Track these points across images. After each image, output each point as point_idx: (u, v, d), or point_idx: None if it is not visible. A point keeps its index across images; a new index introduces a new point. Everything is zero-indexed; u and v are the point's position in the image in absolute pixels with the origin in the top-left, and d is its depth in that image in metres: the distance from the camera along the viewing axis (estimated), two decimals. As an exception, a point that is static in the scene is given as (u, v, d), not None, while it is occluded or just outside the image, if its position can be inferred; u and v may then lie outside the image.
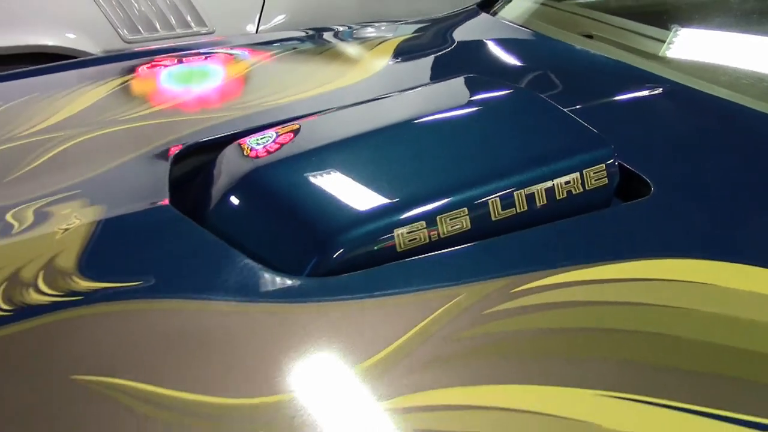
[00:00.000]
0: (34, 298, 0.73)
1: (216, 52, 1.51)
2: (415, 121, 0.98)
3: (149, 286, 0.74)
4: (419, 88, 1.12)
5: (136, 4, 2.52)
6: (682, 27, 1.41)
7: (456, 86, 1.11)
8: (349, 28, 1.71)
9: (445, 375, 0.61)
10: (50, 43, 2.44)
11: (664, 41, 1.33)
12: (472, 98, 1.07)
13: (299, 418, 0.57)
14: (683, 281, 0.73)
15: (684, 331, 0.67)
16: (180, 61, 1.45)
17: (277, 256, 0.76)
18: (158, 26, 2.53)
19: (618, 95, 1.14)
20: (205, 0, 2.60)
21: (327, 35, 1.66)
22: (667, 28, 1.47)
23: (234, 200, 0.86)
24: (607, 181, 0.89)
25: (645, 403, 0.58)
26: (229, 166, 0.91)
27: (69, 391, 0.62)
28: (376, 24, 1.68)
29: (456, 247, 0.78)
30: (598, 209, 0.86)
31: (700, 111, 1.10)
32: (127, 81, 1.36)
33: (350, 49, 1.53)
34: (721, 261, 0.75)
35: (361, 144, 0.92)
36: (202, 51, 1.50)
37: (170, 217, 0.85)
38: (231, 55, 1.49)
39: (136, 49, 1.62)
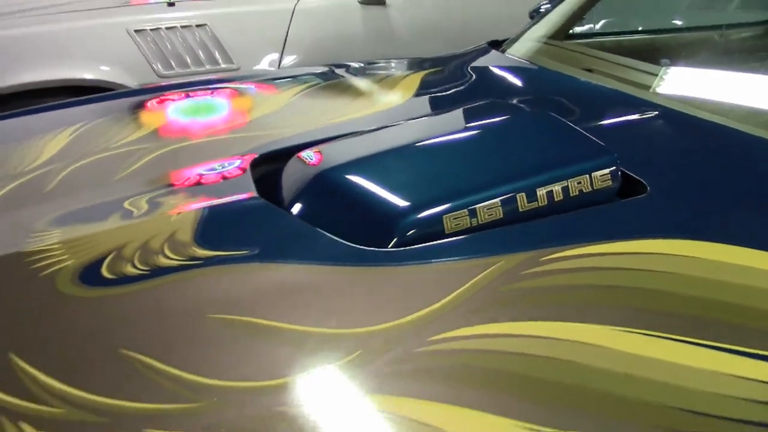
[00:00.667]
0: (164, 262, 0.94)
1: (277, 80, 1.73)
2: (455, 135, 1.21)
3: (255, 254, 0.95)
4: (455, 110, 1.34)
5: (169, 42, 2.74)
6: (671, 61, 1.64)
7: (486, 108, 1.34)
8: (378, 62, 1.93)
9: (496, 313, 0.82)
10: (89, 77, 2.65)
11: (655, 74, 1.56)
12: (500, 117, 1.29)
13: (391, 343, 0.77)
14: (672, 254, 0.94)
15: (672, 287, 0.88)
16: (235, 91, 1.67)
17: (361, 234, 0.97)
18: (189, 62, 2.75)
19: (615, 117, 1.37)
20: (231, 39, 2.82)
21: (356, 69, 1.89)
22: (657, 63, 1.71)
23: (315, 194, 1.07)
24: (611, 183, 1.11)
25: (643, 335, 0.79)
26: (306, 169, 1.12)
27: (209, 324, 0.82)
28: (401, 59, 1.91)
29: (494, 229, 0.99)
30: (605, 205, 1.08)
31: (685, 130, 1.32)
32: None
33: (384, 80, 1.76)
34: (701, 240, 0.97)
35: (415, 152, 1.14)
36: (260, 80, 1.72)
37: (260, 204, 1.07)
38: (290, 82, 1.71)
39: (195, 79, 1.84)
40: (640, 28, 2.36)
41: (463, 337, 0.78)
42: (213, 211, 1.06)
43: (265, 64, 2.86)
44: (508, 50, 1.93)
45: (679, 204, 1.09)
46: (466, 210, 1.01)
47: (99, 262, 0.94)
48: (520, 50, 1.91)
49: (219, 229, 1.02)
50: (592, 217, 1.05)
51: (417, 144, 1.19)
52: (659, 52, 2.17)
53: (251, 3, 3.00)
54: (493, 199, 1.03)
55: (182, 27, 2.80)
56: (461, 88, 1.68)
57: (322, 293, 0.87)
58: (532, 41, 2.00)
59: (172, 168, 1.25)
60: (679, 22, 2.55)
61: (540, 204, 1.06)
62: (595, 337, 0.79)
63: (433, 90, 1.65)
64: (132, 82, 2.61)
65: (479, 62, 1.85)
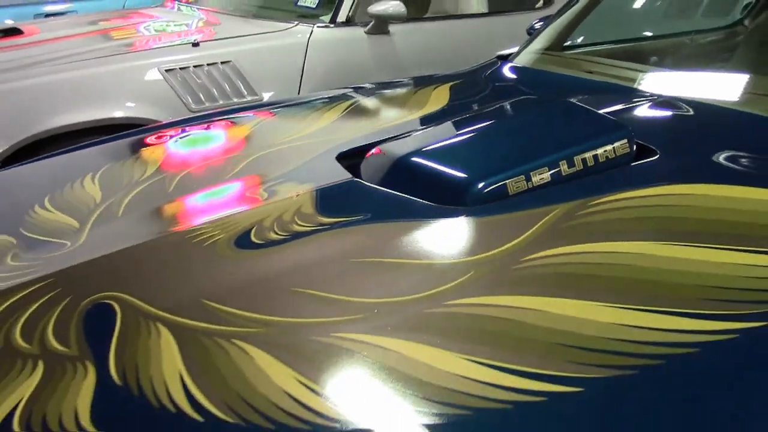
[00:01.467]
0: (299, 228, 1.22)
1: (324, 100, 2.03)
2: (504, 122, 1.51)
3: (368, 217, 1.24)
4: (496, 106, 1.65)
5: (198, 79, 3.03)
6: (654, 60, 1.96)
7: (521, 102, 1.65)
8: (404, 80, 2.24)
9: (561, 241, 1.12)
10: (122, 115, 2.91)
11: (642, 71, 1.89)
12: (535, 107, 1.60)
13: (495, 265, 1.06)
14: (681, 194, 1.25)
15: (683, 213, 1.18)
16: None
17: (444, 199, 1.26)
18: (217, 96, 3.04)
19: (619, 104, 1.68)
20: (254, 72, 3.12)
21: (386, 86, 2.20)
22: (644, 63, 2.04)
23: (403, 173, 1.36)
24: (629, 150, 1.41)
25: (672, 245, 1.09)
26: (388, 157, 1.41)
27: (350, 265, 1.11)
28: (425, 77, 2.22)
29: (546, 187, 1.29)
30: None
31: (672, 109, 1.64)
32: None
33: (417, 92, 2.06)
34: (697, 183, 1.28)
35: (474, 138, 1.45)
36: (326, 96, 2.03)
37: (359, 184, 1.36)
38: (344, 98, 2.02)
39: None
40: (624, 38, 2.69)
41: (541, 257, 1.08)
42: (324, 191, 1.35)
43: (286, 93, 3.15)
44: (516, 61, 2.25)
45: (683, 161, 1.40)
46: (523, 176, 1.30)
47: (247, 233, 1.22)
48: (528, 61, 2.22)
49: (334, 202, 1.31)
50: (621, 174, 1.35)
51: (474, 132, 1.49)
52: (643, 54, 2.50)
53: (270, 39, 3.30)
54: (542, 167, 1.33)
55: (209, 65, 3.08)
56: (486, 91, 1.99)
57: (427, 239, 1.16)
58: (534, 53, 2.31)
59: (274, 166, 1.53)
60: (656, 31, 2.89)
61: (577, 168, 1.35)
62: (641, 249, 1.09)
63: (465, 94, 1.96)
64: (163, 118, 2.87)
65: (494, 72, 2.16)
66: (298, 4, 3.71)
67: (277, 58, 3.23)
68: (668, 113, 1.67)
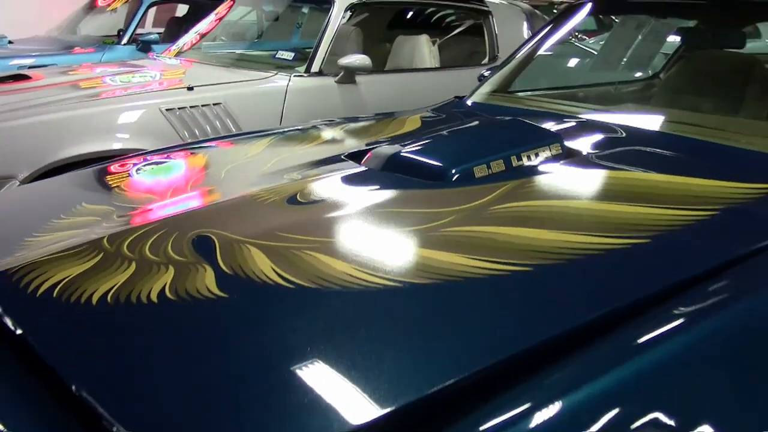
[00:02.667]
0: (329, 195, 1.71)
1: (320, 126, 2.54)
2: (471, 131, 2.04)
3: (379, 188, 1.73)
4: (464, 122, 2.17)
5: (193, 116, 3.51)
6: (583, 99, 2.52)
7: (484, 119, 2.18)
8: (380, 114, 2.76)
9: (513, 200, 1.62)
10: (125, 147, 3.36)
11: (572, 106, 2.44)
12: (495, 122, 2.13)
13: (467, 212, 1.56)
14: (594, 176, 1.77)
15: (593, 184, 1.71)
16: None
17: (429, 178, 1.76)
18: (210, 132, 3.52)
19: (552, 122, 2.22)
20: (241, 113, 3.61)
21: (367, 117, 2.72)
22: (581, 101, 2.60)
23: (398, 165, 1.86)
24: (560, 151, 1.93)
25: (582, 201, 1.61)
26: (381, 153, 1.91)
27: (378, 212, 1.60)
28: (398, 112, 2.74)
29: (500, 173, 1.80)
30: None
31: (595, 127, 2.19)
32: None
33: (394, 120, 2.58)
34: (610, 170, 1.80)
35: (450, 141, 1.97)
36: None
37: (368, 170, 1.85)
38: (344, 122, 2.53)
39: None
40: (560, 85, 3.26)
41: (497, 208, 1.58)
42: (346, 174, 1.84)
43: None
44: (469, 99, 2.79)
45: (597, 159, 1.93)
46: (485, 165, 1.81)
47: (293, 196, 1.70)
48: (480, 99, 2.77)
49: (355, 180, 1.80)
50: (554, 165, 1.87)
51: (449, 137, 2.01)
52: (574, 97, 3.06)
53: (254, 84, 3.80)
54: (498, 159, 1.84)
55: (202, 105, 3.57)
56: (450, 118, 2.52)
57: (424, 199, 1.66)
58: (485, 94, 2.86)
59: (299, 164, 2.02)
60: (582, 80, 3.49)
61: (524, 163, 1.87)
62: (562, 204, 1.60)
63: (433, 120, 2.49)
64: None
65: (454, 107, 2.70)
66: (277, 56, 4.24)
67: (260, 102, 3.73)
68: (590, 129, 2.21)
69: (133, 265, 1.39)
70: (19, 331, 1.24)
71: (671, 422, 1.02)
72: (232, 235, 1.49)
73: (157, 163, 2.22)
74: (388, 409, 0.96)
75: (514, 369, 1.05)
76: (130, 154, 2.43)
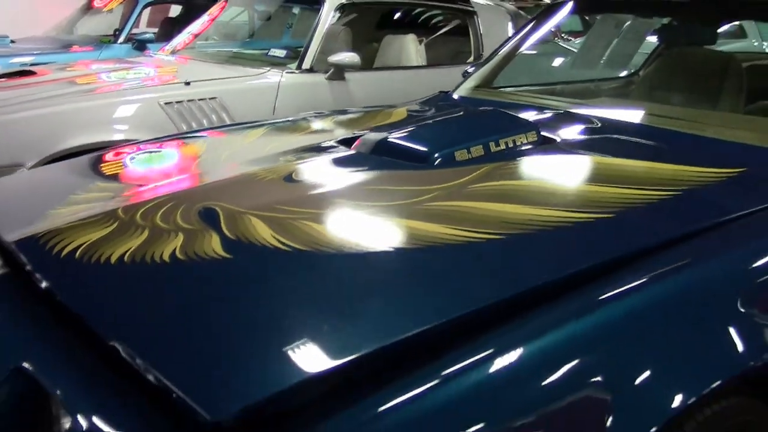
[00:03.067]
0: (323, 173, 1.87)
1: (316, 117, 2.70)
2: (453, 119, 2.20)
3: (368, 168, 1.89)
4: (447, 112, 2.33)
5: (190, 110, 3.66)
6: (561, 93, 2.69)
7: (465, 109, 2.34)
8: (369, 107, 2.92)
9: (489, 180, 1.79)
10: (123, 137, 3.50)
11: (551, 99, 2.61)
12: (476, 111, 2.30)
13: (444, 189, 1.72)
14: (566, 159, 1.94)
15: (564, 166, 1.87)
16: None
17: (415, 160, 1.91)
18: (206, 125, 3.67)
19: (530, 112, 2.38)
20: (235, 107, 3.76)
21: (357, 111, 2.88)
22: (561, 95, 2.77)
23: (384, 149, 2.02)
24: (536, 138, 2.10)
25: (552, 181, 1.77)
26: (370, 139, 2.07)
27: (367, 189, 1.76)
28: (385, 105, 2.90)
29: (479, 157, 1.96)
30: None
31: (570, 117, 2.36)
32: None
33: (381, 112, 2.74)
34: (579, 155, 1.97)
35: (433, 128, 2.13)
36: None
37: (358, 153, 2.01)
38: (326, 115, 2.69)
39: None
40: (539, 81, 3.43)
41: (474, 187, 1.74)
42: (338, 157, 2.00)
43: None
44: (454, 93, 2.95)
45: (571, 146, 2.10)
46: (465, 149, 1.98)
47: (290, 175, 1.87)
48: (464, 93, 2.93)
49: (346, 162, 1.96)
50: (530, 151, 2.03)
51: (433, 125, 2.18)
52: (553, 93, 3.23)
53: (247, 80, 3.96)
54: (478, 145, 2.00)
55: (199, 99, 3.72)
56: (435, 110, 2.68)
57: (409, 179, 1.82)
58: (469, 89, 3.02)
59: (294, 148, 2.18)
60: (564, 77, 3.66)
61: (502, 148, 2.03)
62: (533, 183, 1.77)
63: (419, 111, 2.65)
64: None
65: (440, 100, 2.86)
66: (269, 54, 4.40)
67: (253, 96, 3.89)
68: (566, 119, 2.38)
69: (146, 232, 1.55)
70: (47, 286, 1.40)
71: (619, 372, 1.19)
72: (234, 207, 1.65)
73: (158, 150, 2.38)
74: (373, 348, 1.12)
75: (483, 320, 1.22)
76: (134, 142, 2.58)
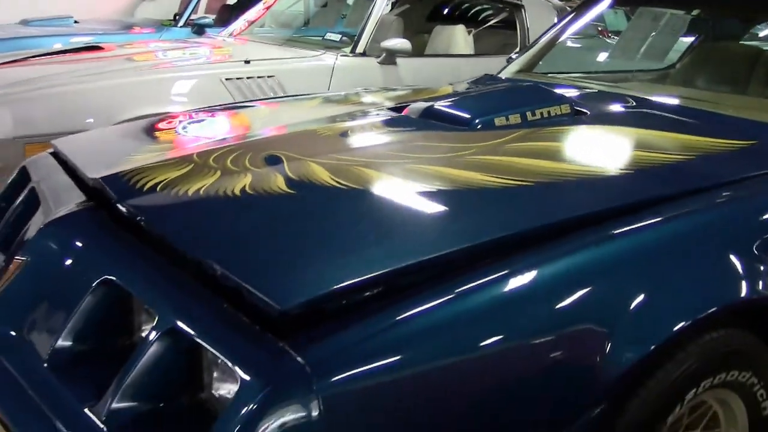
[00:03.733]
0: (376, 131, 2.09)
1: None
2: (498, 91, 2.41)
3: (415, 129, 2.11)
4: (495, 88, 2.55)
5: (249, 87, 3.91)
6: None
7: (508, 83, 2.56)
8: (417, 85, 3.13)
9: (524, 141, 1.99)
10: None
11: (588, 81, 2.80)
12: (518, 85, 2.51)
13: (484, 145, 1.93)
14: (592, 128, 2.13)
15: (589, 136, 2.07)
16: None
17: (458, 124, 2.13)
18: (263, 100, 3.91)
19: (566, 89, 2.58)
20: (291, 85, 3.99)
21: (410, 87, 3.09)
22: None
23: (434, 111, 2.23)
24: (569, 111, 2.29)
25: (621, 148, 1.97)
26: (418, 106, 2.29)
27: (416, 144, 1.97)
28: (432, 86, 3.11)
29: (517, 124, 2.16)
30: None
31: (601, 95, 2.55)
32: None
33: (427, 90, 2.96)
34: (609, 126, 2.16)
35: (481, 98, 2.35)
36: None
37: (407, 115, 2.23)
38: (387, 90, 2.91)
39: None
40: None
41: (510, 147, 1.94)
42: (388, 118, 2.22)
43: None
44: (498, 75, 3.16)
45: (601, 118, 2.29)
46: (504, 117, 2.18)
47: (345, 131, 2.09)
48: (507, 75, 3.13)
49: (395, 122, 2.18)
50: (562, 120, 2.23)
51: (479, 95, 2.39)
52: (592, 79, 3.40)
53: (304, 61, 4.21)
54: (516, 113, 2.20)
55: (258, 77, 3.97)
56: (480, 86, 2.89)
57: (453, 138, 2.03)
58: (512, 72, 3.22)
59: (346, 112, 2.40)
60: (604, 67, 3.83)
61: (537, 117, 2.23)
62: (560, 146, 1.96)
63: (467, 89, 2.86)
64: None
65: (486, 80, 3.07)
66: (325, 37, 4.64)
67: (309, 76, 4.12)
68: (600, 97, 2.57)
69: (219, 172, 1.78)
70: (131, 213, 1.62)
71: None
72: (296, 155, 1.87)
73: (218, 113, 2.62)
74: (410, 262, 1.34)
75: (510, 246, 1.42)
76: (199, 108, 2.83)
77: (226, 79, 3.87)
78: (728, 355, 1.55)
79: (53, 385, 1.44)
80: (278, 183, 1.69)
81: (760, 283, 1.57)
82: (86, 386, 1.41)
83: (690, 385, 1.50)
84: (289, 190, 1.65)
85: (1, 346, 1.56)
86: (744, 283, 1.53)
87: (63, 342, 1.50)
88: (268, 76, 3.98)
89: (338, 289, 1.26)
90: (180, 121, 2.44)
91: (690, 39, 3.97)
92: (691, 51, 3.74)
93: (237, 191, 1.66)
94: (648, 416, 1.44)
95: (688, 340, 1.47)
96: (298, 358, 1.16)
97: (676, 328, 1.41)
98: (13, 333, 1.57)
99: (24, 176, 2.10)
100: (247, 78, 3.92)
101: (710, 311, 1.45)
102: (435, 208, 1.58)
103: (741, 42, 3.32)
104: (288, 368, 1.16)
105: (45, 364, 1.48)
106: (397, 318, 1.24)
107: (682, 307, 1.44)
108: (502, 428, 1.31)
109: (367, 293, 1.28)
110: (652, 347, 1.39)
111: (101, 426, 1.30)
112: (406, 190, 1.66)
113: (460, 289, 1.30)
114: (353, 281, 1.27)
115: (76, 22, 6.89)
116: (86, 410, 1.34)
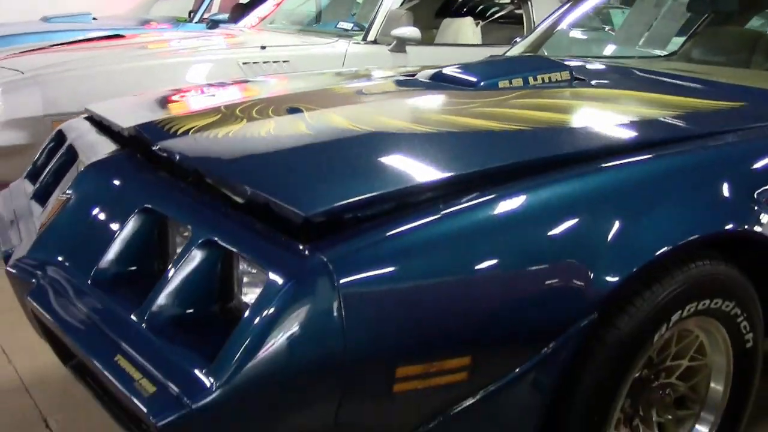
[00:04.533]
0: (390, 91, 2.26)
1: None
2: (501, 60, 2.58)
3: (426, 88, 2.28)
4: (500, 58, 2.71)
5: (265, 70, 4.07)
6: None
7: (512, 56, 2.72)
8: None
9: (527, 98, 2.15)
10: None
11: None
12: (521, 56, 2.67)
13: (489, 99, 2.09)
14: (587, 90, 2.29)
15: (585, 95, 2.23)
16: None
17: (467, 86, 2.29)
18: (278, 84, 4.08)
19: (567, 61, 2.73)
20: (303, 68, 4.14)
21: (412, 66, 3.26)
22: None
23: (441, 75, 2.39)
24: (569, 76, 2.45)
25: (578, 100, 2.13)
26: (428, 71, 2.45)
27: (428, 97, 2.14)
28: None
29: (519, 87, 2.33)
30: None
31: (600, 65, 2.71)
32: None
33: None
34: (609, 89, 2.32)
35: (486, 65, 2.52)
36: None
37: (423, 80, 2.39)
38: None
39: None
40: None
41: (514, 102, 2.10)
42: (400, 80, 2.39)
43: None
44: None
45: (599, 83, 2.45)
46: (507, 80, 2.34)
47: (360, 90, 2.25)
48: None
49: (407, 83, 2.35)
50: (561, 84, 2.39)
51: (483, 64, 2.56)
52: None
53: (317, 46, 4.39)
54: (518, 77, 2.36)
55: (273, 62, 4.14)
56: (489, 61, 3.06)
57: (459, 95, 2.19)
58: (517, 54, 3.38)
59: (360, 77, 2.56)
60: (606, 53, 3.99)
61: (539, 82, 2.39)
62: (561, 102, 2.12)
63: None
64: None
65: (494, 58, 3.24)
66: (337, 26, 4.82)
67: (322, 62, 4.29)
68: (596, 65, 2.73)
69: (245, 120, 1.94)
70: (167, 152, 1.78)
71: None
72: (315, 107, 2.04)
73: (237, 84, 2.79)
74: (417, 183, 1.50)
75: (507, 174, 1.57)
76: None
77: (243, 63, 4.04)
78: (713, 284, 1.69)
79: (98, 296, 1.59)
80: (300, 126, 1.85)
81: (742, 218, 1.70)
82: (127, 297, 1.56)
83: (675, 307, 1.63)
84: (309, 132, 1.81)
85: (49, 268, 1.71)
86: (724, 217, 1.67)
87: (105, 263, 1.65)
88: (284, 61, 4.15)
89: (355, 202, 1.41)
90: (201, 91, 2.61)
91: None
92: (692, 36, 3.89)
93: (263, 133, 1.82)
94: (636, 331, 1.58)
95: (674, 267, 1.60)
96: (322, 256, 1.31)
97: (658, 253, 1.55)
98: (60, 258, 1.73)
99: (60, 138, 2.24)
100: (264, 62, 4.09)
101: (690, 239, 1.59)
102: (441, 144, 1.74)
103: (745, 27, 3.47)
104: (312, 264, 1.31)
105: (89, 281, 1.63)
106: (408, 226, 1.40)
107: (663, 234, 1.58)
108: (497, 327, 1.45)
109: (381, 207, 1.43)
110: (635, 269, 1.52)
111: (143, 326, 1.45)
112: (415, 131, 1.82)
113: (460, 206, 1.45)
114: (369, 195, 1.42)
115: (94, 18, 7.09)
116: (131, 316, 1.48)
